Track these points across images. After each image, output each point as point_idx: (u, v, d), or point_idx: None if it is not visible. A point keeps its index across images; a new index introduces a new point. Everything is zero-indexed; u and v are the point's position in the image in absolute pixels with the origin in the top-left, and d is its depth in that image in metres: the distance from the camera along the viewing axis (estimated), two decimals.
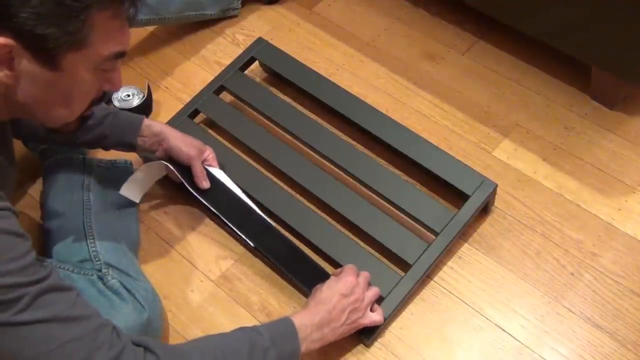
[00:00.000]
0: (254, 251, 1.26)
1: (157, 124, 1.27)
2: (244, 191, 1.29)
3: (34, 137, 1.26)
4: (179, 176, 1.26)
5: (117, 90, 0.96)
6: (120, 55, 0.88)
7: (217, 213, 1.26)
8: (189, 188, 1.26)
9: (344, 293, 1.06)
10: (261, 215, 1.26)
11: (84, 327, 0.83)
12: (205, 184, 1.27)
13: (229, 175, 1.31)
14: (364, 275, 1.12)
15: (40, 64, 0.82)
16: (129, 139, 1.25)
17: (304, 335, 1.00)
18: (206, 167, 1.28)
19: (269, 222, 1.25)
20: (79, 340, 0.82)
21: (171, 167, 1.26)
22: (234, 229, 1.25)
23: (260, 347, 0.95)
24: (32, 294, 0.79)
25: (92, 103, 0.94)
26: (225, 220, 1.26)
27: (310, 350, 1.02)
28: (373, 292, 1.12)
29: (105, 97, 0.96)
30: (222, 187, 1.28)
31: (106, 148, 1.28)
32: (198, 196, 1.26)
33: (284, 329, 1.00)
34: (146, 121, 1.25)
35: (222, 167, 1.32)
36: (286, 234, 1.26)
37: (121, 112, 1.27)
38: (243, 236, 1.24)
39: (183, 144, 1.26)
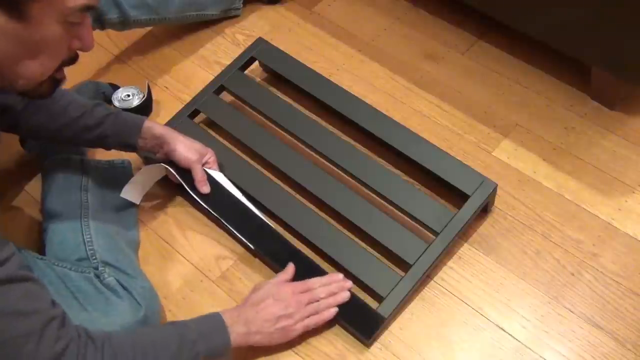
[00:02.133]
0: (254, 251, 1.26)
1: (158, 126, 1.27)
2: (244, 193, 1.29)
3: (38, 134, 1.26)
4: (180, 179, 1.26)
5: (88, 49, 0.93)
6: (87, 8, 0.87)
7: (217, 216, 1.26)
8: (190, 191, 1.26)
9: (277, 299, 1.09)
10: (261, 218, 1.26)
11: (33, 322, 0.84)
12: (206, 189, 1.27)
13: (229, 176, 1.31)
14: (312, 295, 1.12)
15: (6, 14, 0.81)
16: (129, 139, 1.25)
17: (232, 330, 1.04)
18: (206, 170, 1.28)
19: (269, 225, 1.25)
20: (26, 336, 0.83)
21: (171, 170, 1.26)
22: (234, 231, 1.25)
23: (189, 339, 0.99)
24: None
25: (64, 63, 0.93)
26: (225, 223, 1.26)
27: (239, 345, 1.05)
28: (311, 307, 1.11)
29: (77, 59, 0.95)
30: (223, 190, 1.28)
31: (107, 148, 1.28)
32: (198, 199, 1.27)
33: (212, 323, 1.04)
34: (147, 123, 1.25)
35: (222, 167, 1.32)
36: (286, 234, 1.26)
37: (123, 112, 1.27)
38: (243, 239, 1.24)
39: (184, 147, 1.26)
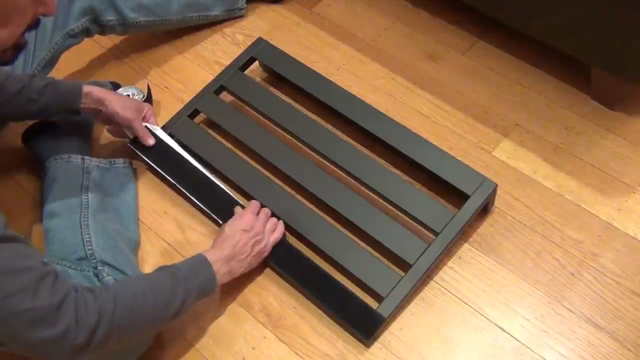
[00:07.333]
0: None
1: (97, 90, 1.30)
2: (234, 186, 1.33)
3: None
4: (127, 134, 1.36)
5: (51, 14, 0.97)
6: None
7: (158, 169, 1.34)
8: (131, 146, 1.35)
9: (244, 229, 1.16)
10: (200, 171, 1.32)
11: (27, 279, 0.85)
12: (151, 141, 1.34)
13: (228, 175, 1.32)
14: (264, 211, 1.23)
15: None
16: (72, 105, 1.27)
17: (215, 269, 1.10)
18: (146, 125, 1.35)
19: (208, 177, 1.31)
20: (23, 291, 0.84)
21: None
22: (175, 183, 1.32)
23: (181, 277, 1.04)
24: None
25: (28, 28, 0.95)
26: (165, 175, 1.33)
27: (222, 283, 1.12)
28: (271, 223, 1.22)
29: (39, 24, 0.98)
30: (162, 144, 1.35)
31: (52, 116, 1.32)
32: (140, 154, 1.34)
33: (198, 262, 1.09)
34: (86, 88, 1.28)
35: (221, 167, 1.33)
36: (286, 234, 1.26)
37: (59, 80, 1.29)
38: (183, 189, 1.31)
39: (121, 108, 1.30)
